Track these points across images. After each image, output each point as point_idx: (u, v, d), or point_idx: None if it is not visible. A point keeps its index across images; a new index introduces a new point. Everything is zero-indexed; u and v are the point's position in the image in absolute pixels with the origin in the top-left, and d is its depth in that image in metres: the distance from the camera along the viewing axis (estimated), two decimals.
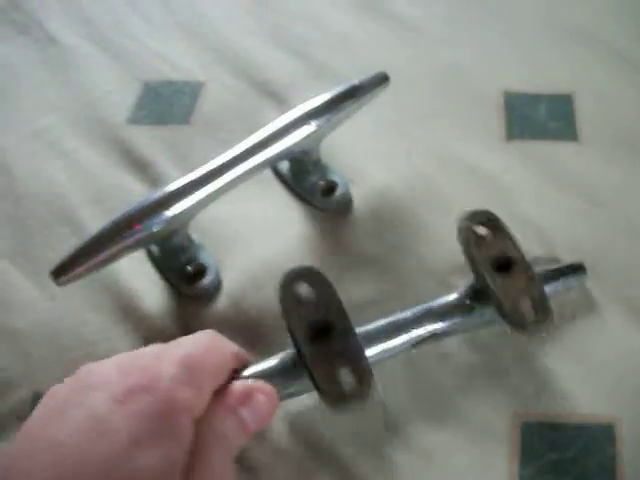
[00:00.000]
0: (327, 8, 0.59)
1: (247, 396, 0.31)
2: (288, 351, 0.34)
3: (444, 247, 0.43)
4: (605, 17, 0.56)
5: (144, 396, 0.27)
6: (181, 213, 0.41)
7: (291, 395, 0.34)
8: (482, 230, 0.38)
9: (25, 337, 0.43)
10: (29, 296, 0.45)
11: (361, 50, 0.56)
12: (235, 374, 0.32)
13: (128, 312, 0.43)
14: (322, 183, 0.47)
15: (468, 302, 0.38)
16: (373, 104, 0.46)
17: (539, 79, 0.53)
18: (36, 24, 0.61)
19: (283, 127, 0.43)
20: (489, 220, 0.38)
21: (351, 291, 0.40)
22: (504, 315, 0.35)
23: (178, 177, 0.42)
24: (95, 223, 0.46)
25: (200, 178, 0.41)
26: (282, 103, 0.52)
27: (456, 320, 0.37)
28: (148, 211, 0.40)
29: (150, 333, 0.42)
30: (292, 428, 0.38)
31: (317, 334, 0.33)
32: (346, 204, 0.47)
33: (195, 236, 0.45)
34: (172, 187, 0.41)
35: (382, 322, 0.37)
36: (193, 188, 0.41)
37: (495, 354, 0.39)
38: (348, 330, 0.33)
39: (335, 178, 0.47)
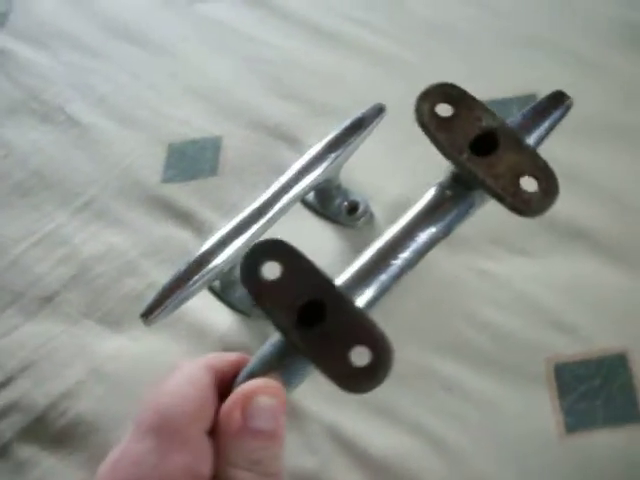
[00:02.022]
0: (317, 55, 0.67)
1: (246, 404, 0.28)
2: (275, 340, 0.30)
3: None
4: (555, 22, 0.65)
5: None
6: (239, 249, 0.48)
7: (295, 384, 0.30)
8: (446, 109, 0.33)
9: (120, 375, 0.50)
10: (115, 343, 0.52)
11: (350, 85, 0.64)
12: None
13: (204, 337, 0.51)
14: (346, 204, 0.55)
15: (450, 193, 0.34)
16: (375, 132, 0.54)
17: (506, 85, 0.61)
18: (56, 110, 0.68)
19: (308, 163, 0.51)
20: (452, 95, 0.33)
21: None
22: (503, 200, 0.31)
23: (218, 221, 0.49)
24: (157, 271, 0.55)
25: (249, 217, 0.49)
26: (295, 142, 0.60)
27: (448, 217, 0.34)
28: (214, 250, 0.48)
29: (225, 349, 0.50)
30: None
31: (306, 316, 0.29)
32: (369, 219, 0.55)
33: None
34: (228, 228, 0.49)
35: (370, 253, 0.33)
36: (246, 226, 0.49)
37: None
38: (343, 303, 0.29)
39: (356, 198, 0.55)
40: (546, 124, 0.37)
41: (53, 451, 0.47)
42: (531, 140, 0.36)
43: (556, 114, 0.37)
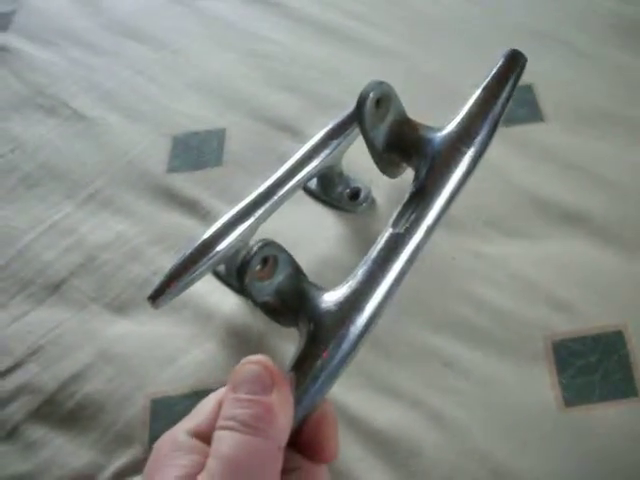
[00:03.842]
0: (318, 48, 0.69)
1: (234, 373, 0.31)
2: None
3: None
4: (552, 15, 0.67)
5: None
6: (243, 233, 0.49)
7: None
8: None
9: (128, 357, 0.51)
10: (122, 326, 0.53)
11: (349, 78, 0.66)
12: None
13: (210, 320, 0.52)
14: (347, 190, 0.56)
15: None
16: None
17: None
18: (61, 105, 0.69)
19: (310, 151, 0.53)
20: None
21: None
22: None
23: (223, 209, 0.50)
24: (162, 258, 0.56)
25: (253, 202, 0.50)
26: (297, 133, 0.61)
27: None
28: (219, 235, 0.49)
29: (230, 332, 0.51)
30: None
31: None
32: (370, 205, 0.56)
33: None
34: (232, 213, 0.50)
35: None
36: (249, 212, 0.50)
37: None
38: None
39: (358, 184, 0.57)
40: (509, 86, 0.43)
41: (62, 432, 0.48)
42: (499, 103, 0.43)
43: (516, 74, 0.43)
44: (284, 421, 0.30)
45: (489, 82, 0.43)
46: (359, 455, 0.44)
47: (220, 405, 0.31)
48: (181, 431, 0.31)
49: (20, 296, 0.55)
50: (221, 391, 0.32)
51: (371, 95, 0.43)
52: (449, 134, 0.41)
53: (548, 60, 0.64)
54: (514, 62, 0.44)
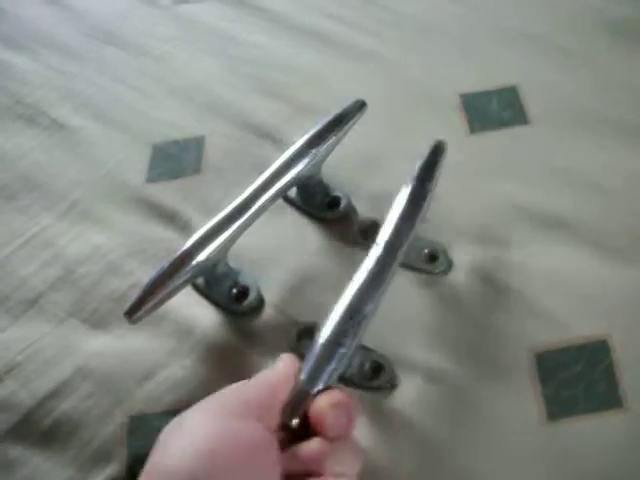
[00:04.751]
0: (299, 53, 0.68)
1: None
2: None
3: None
4: (538, 16, 0.66)
5: None
6: (222, 245, 0.48)
7: None
8: None
9: (106, 373, 0.50)
10: (100, 341, 0.52)
11: (331, 83, 0.65)
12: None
13: (189, 335, 0.51)
14: (327, 200, 0.55)
15: None
16: (356, 128, 0.54)
17: (485, 78, 0.62)
18: (40, 114, 0.68)
19: (289, 160, 0.52)
20: None
21: None
22: None
23: (202, 220, 0.49)
24: (141, 271, 0.55)
25: (232, 213, 0.49)
26: (276, 141, 0.60)
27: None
28: (196, 247, 0.48)
29: (210, 347, 0.50)
30: None
31: None
32: (350, 213, 0.55)
33: (232, 263, 0.52)
34: (211, 224, 0.49)
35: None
36: (228, 223, 0.49)
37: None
38: None
39: (338, 193, 0.56)
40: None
41: (40, 450, 0.47)
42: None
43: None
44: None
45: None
46: None
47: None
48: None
49: None
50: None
51: None
52: None
53: (534, 61, 0.63)
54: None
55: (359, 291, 0.42)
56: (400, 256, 0.45)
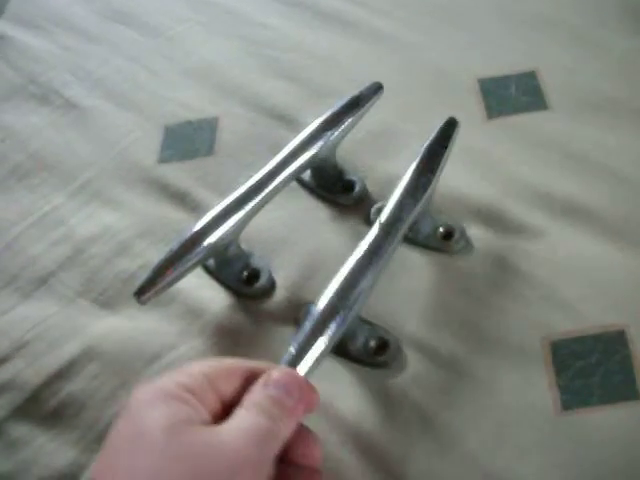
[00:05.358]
0: (314, 35, 0.67)
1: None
2: None
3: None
4: (553, 1, 0.65)
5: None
6: (234, 226, 0.48)
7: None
8: None
9: (113, 353, 0.49)
10: (109, 322, 0.51)
11: (347, 66, 0.64)
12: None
13: (199, 317, 0.50)
14: (342, 183, 0.54)
15: None
16: (371, 111, 0.53)
17: (504, 62, 0.61)
18: (54, 93, 0.68)
19: (304, 142, 0.51)
20: None
21: None
22: None
23: (214, 201, 0.49)
24: (151, 252, 0.54)
25: (244, 195, 0.49)
26: (291, 123, 0.59)
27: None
28: (208, 228, 0.47)
29: (220, 330, 0.49)
30: None
31: None
32: (364, 197, 0.54)
33: (244, 245, 0.52)
34: (223, 206, 0.48)
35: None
36: (241, 204, 0.48)
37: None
38: None
39: (352, 177, 0.55)
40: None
41: (45, 430, 0.46)
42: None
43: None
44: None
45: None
46: (346, 458, 0.42)
47: (208, 379, 0.34)
48: (173, 383, 0.33)
49: (6, 291, 0.54)
50: (208, 365, 0.35)
51: None
52: None
53: (552, 46, 0.62)
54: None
55: (355, 266, 0.43)
56: (401, 231, 0.45)
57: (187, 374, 0.34)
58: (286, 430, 0.33)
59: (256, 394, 0.34)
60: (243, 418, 0.33)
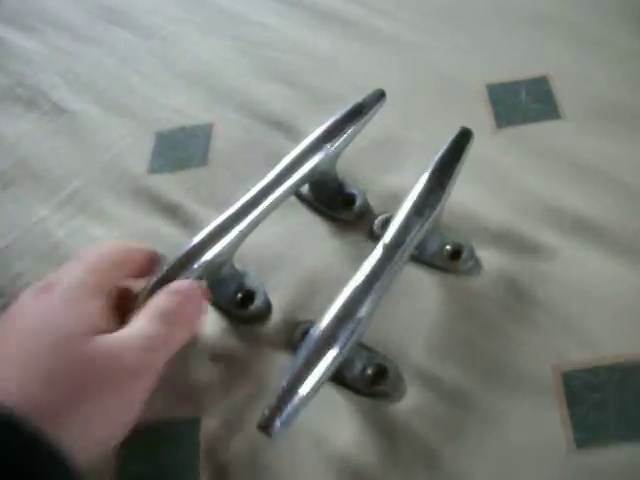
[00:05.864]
0: (313, 36, 0.64)
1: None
2: None
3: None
4: (564, 3, 0.62)
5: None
6: (228, 245, 0.45)
7: None
8: None
9: None
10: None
11: (347, 69, 0.61)
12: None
13: (190, 341, 0.47)
14: (342, 197, 0.52)
15: None
16: (373, 120, 0.50)
17: (514, 68, 0.58)
18: (42, 97, 0.65)
19: (303, 153, 0.48)
20: None
21: None
22: None
23: (208, 215, 0.46)
24: None
25: (240, 210, 0.46)
26: (289, 130, 0.57)
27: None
28: (200, 247, 0.45)
29: (213, 355, 0.47)
30: None
31: None
32: (365, 212, 0.51)
33: (238, 264, 0.49)
34: (218, 222, 0.45)
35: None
36: (236, 221, 0.45)
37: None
38: None
39: (353, 190, 0.52)
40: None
41: None
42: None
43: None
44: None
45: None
46: None
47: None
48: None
49: None
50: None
51: None
52: None
53: (565, 50, 0.58)
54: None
55: (355, 291, 0.40)
56: (406, 252, 0.42)
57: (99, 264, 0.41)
58: (180, 338, 0.39)
59: (158, 301, 0.39)
60: (142, 325, 0.37)
